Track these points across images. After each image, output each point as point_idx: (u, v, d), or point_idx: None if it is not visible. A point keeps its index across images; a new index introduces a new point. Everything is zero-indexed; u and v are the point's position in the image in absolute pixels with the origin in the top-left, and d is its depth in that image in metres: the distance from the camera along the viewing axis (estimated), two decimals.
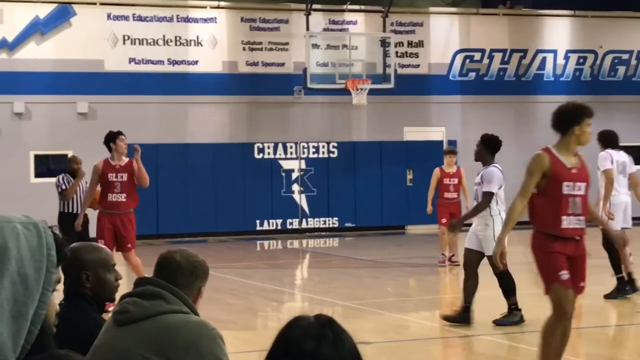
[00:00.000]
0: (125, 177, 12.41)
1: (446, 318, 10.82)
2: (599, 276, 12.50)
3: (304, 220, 24.06)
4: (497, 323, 10.68)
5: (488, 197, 10.83)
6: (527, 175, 7.77)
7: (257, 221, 23.68)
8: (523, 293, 11.33)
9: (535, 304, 13.09)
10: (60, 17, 22.50)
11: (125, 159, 12.58)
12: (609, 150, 12.65)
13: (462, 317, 10.67)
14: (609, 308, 12.35)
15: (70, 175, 14.69)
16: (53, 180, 22.81)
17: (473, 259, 10.82)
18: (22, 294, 1.75)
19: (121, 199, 12.40)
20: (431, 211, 17.34)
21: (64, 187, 14.59)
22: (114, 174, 12.41)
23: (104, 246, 4.68)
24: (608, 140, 12.79)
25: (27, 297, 1.76)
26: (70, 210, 14.34)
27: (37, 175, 22.55)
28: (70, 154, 22.61)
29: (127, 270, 13.02)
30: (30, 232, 1.80)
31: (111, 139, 12.48)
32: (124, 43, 22.94)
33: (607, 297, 12.47)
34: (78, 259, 4.34)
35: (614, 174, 12.48)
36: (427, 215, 25.70)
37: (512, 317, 10.74)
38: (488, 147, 11.05)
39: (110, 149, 12.46)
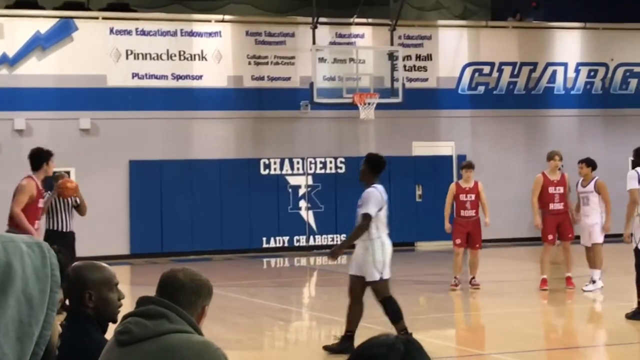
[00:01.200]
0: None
1: (327, 348, 10.37)
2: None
3: (311, 237, 23.70)
4: None
5: (365, 219, 10.33)
6: None
7: (264, 238, 23.32)
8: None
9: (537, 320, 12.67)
10: (62, 32, 22.19)
11: None
12: (638, 169, 12.55)
13: (343, 346, 10.16)
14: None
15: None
16: None
17: (357, 285, 10.45)
18: (26, 314, 1.75)
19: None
20: (449, 229, 16.39)
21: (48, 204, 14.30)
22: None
23: (106, 265, 4.56)
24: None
25: (32, 318, 1.75)
26: (56, 228, 14.01)
27: None
28: (72, 170, 22.32)
29: (131, 289, 12.68)
30: (34, 252, 1.79)
31: (45, 158, 11.86)
32: (127, 58, 22.63)
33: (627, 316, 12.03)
34: (81, 277, 4.32)
35: (637, 193, 12.29)
36: (437, 232, 25.41)
37: None
38: (372, 167, 10.56)
39: (39, 168, 11.79)
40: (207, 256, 22.36)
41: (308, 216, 23.64)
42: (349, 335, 10.28)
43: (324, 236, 23.85)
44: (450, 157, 25.02)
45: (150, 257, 21.93)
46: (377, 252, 10.22)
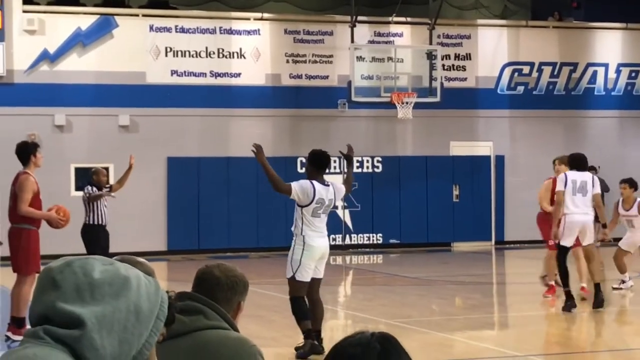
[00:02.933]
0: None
1: (298, 355, 10.17)
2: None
3: (347, 236, 23.66)
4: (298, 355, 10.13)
5: (283, 185, 10.40)
6: None
7: None
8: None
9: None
10: (102, 28, 22.33)
11: None
12: (568, 172, 13.13)
13: (311, 348, 10.03)
14: None
15: (97, 188, 14.66)
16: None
17: (310, 284, 10.18)
18: (132, 323, 1.88)
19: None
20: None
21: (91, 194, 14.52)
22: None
23: (146, 260, 4.54)
24: (575, 163, 13.25)
25: (136, 328, 1.89)
26: (95, 222, 14.33)
27: (78, 188, 22.30)
28: (111, 166, 22.45)
29: (168, 285, 12.70)
30: (150, 282, 1.96)
31: (31, 151, 11.55)
32: (166, 55, 22.72)
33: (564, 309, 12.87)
34: None
35: (562, 196, 12.90)
36: (474, 232, 25.33)
37: (304, 346, 10.10)
38: (311, 163, 10.44)
39: (27, 162, 11.44)
40: (243, 253, 22.40)
41: (344, 215, 23.61)
42: (316, 335, 10.15)
43: (360, 235, 23.82)
44: (489, 157, 24.89)
45: (187, 253, 22.01)
46: (296, 251, 10.02)
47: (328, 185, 10.22)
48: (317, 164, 10.32)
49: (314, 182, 10.15)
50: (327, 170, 10.44)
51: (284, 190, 10.21)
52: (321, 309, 10.25)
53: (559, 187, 13.12)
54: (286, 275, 10.17)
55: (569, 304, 12.87)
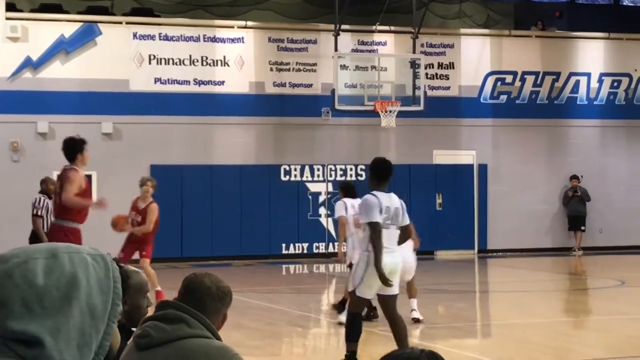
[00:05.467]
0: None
1: None
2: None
3: (330, 244, 23.66)
4: None
5: (370, 228, 9.57)
6: None
7: (283, 244, 23.32)
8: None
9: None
10: (86, 36, 22.28)
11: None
12: (345, 199, 13.71)
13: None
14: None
15: (47, 197, 14.76)
16: None
17: (380, 302, 9.87)
18: (88, 324, 1.80)
19: None
20: None
21: (39, 211, 14.69)
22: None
23: (140, 270, 4.52)
24: (346, 190, 14.04)
25: (93, 328, 1.81)
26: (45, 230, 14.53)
27: None
28: (94, 174, 22.38)
29: (151, 294, 12.67)
30: (98, 264, 1.85)
31: (78, 148, 11.46)
32: (149, 63, 22.69)
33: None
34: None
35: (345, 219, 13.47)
36: (457, 241, 25.37)
37: None
38: (375, 174, 9.90)
39: (74, 159, 11.42)
40: (226, 261, 22.37)
41: (328, 223, 23.61)
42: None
43: (343, 244, 23.79)
44: (472, 165, 24.96)
45: (170, 261, 21.96)
46: (360, 266, 9.51)
47: (390, 193, 9.79)
48: (380, 174, 9.82)
49: (376, 192, 9.63)
50: (389, 180, 9.89)
51: (381, 234, 9.43)
52: (402, 326, 9.69)
53: (341, 212, 13.59)
54: (348, 287, 9.79)
55: None
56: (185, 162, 22.78)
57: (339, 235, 14.02)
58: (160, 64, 22.80)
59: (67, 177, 11.01)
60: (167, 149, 22.67)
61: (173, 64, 22.88)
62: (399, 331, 9.56)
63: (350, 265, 13.37)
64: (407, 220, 9.73)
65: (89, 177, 22.46)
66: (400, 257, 9.72)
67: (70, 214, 10.99)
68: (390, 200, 9.64)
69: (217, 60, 23.20)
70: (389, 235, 9.55)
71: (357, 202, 13.66)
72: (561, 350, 11.43)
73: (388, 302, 9.63)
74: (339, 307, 13.76)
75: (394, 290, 9.62)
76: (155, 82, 22.74)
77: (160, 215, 24.22)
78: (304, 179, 23.53)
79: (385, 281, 9.29)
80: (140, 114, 22.52)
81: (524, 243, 24.92)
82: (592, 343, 12.04)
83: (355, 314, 9.65)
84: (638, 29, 26.03)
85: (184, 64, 22.95)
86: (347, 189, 14.20)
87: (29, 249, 1.83)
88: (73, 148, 11.32)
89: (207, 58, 23.13)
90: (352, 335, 9.62)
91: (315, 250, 23.62)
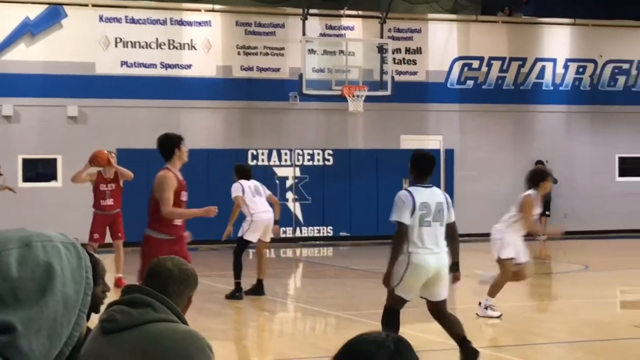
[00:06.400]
0: None
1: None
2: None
3: (298, 228, 23.68)
4: None
5: (396, 228, 8.89)
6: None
7: None
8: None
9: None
10: (51, 18, 22.09)
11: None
12: (241, 181, 14.34)
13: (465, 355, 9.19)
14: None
15: None
16: (42, 185, 22.50)
17: (429, 305, 9.30)
18: (61, 314, 1.78)
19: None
20: None
21: None
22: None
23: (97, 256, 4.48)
24: (241, 172, 14.54)
25: (65, 318, 1.79)
26: None
27: (26, 179, 22.14)
28: (59, 158, 22.26)
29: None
30: (70, 252, 1.82)
31: (176, 143, 10.31)
32: (116, 46, 22.55)
33: (227, 297, 13.71)
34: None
35: (241, 200, 14.13)
36: None
37: None
38: (415, 168, 9.11)
39: (171, 156, 10.23)
40: (193, 246, 22.26)
41: (295, 208, 23.61)
42: (464, 346, 9.08)
43: (310, 228, 23.84)
44: (438, 150, 25.02)
45: (137, 246, 21.85)
46: (400, 265, 8.77)
47: (431, 187, 8.97)
48: (418, 168, 8.99)
49: (412, 188, 8.88)
50: (430, 175, 8.98)
51: (403, 237, 8.74)
52: (456, 321, 9.12)
53: (237, 193, 14.36)
54: (388, 284, 8.90)
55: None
56: (152, 147, 22.51)
57: (232, 215, 14.38)
58: (127, 47, 22.66)
59: (157, 183, 9.94)
60: (134, 133, 22.54)
61: (140, 47, 22.74)
62: (457, 325, 9.05)
63: (240, 241, 14.27)
64: (452, 217, 9.07)
65: (53, 160, 22.38)
66: (446, 259, 8.95)
67: (164, 226, 9.89)
68: (431, 196, 8.84)
69: (184, 44, 23.09)
70: (432, 234, 8.83)
71: (252, 183, 14.32)
72: (525, 334, 11.53)
73: (439, 307, 9.05)
74: (250, 291, 14.14)
75: (442, 294, 9.00)
76: (122, 65, 22.60)
77: (127, 200, 24.23)
78: (272, 163, 23.51)
79: (388, 284, 8.79)
80: (106, 97, 22.39)
81: (489, 227, 24.97)
82: (556, 327, 12.14)
83: (392, 309, 8.95)
84: (603, 15, 26.18)
85: (150, 47, 22.82)
86: (241, 172, 14.59)
87: (1, 239, 1.79)
88: (170, 144, 10.20)
89: (174, 41, 23.01)
90: (389, 329, 8.81)
91: (282, 235, 23.61)
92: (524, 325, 12.09)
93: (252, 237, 14.34)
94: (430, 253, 8.78)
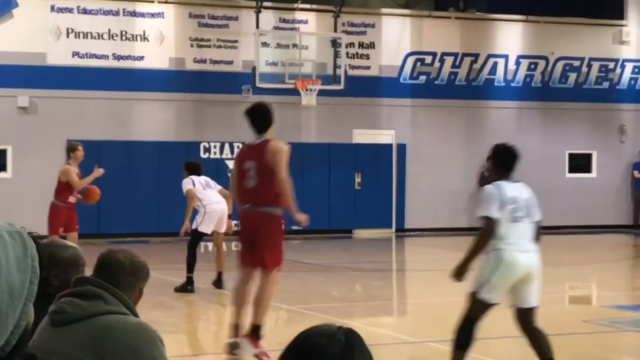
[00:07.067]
0: None
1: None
2: None
3: None
4: None
5: (482, 224, 8.27)
6: None
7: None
8: None
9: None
10: (2, 8, 21.83)
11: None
12: (192, 177, 14.51)
13: None
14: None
15: None
16: None
17: (516, 313, 8.41)
18: (6, 303, 1.75)
19: None
20: None
21: None
22: None
23: (75, 245, 4.47)
24: (191, 169, 14.72)
25: (10, 307, 1.76)
26: None
27: None
28: (9, 149, 22.03)
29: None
30: (16, 241, 1.80)
31: (272, 116, 9.53)
32: (67, 36, 22.34)
33: (177, 290, 13.78)
34: (50, 255, 4.18)
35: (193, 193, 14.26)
36: (375, 219, 25.54)
37: None
38: (496, 163, 8.52)
39: (267, 128, 9.51)
40: (144, 238, 22.20)
41: None
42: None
43: None
44: (391, 145, 25.13)
45: (86, 237, 21.69)
46: (485, 267, 8.03)
47: (517, 182, 8.38)
48: (502, 162, 8.40)
49: (498, 183, 8.20)
50: (513, 169, 8.36)
51: (490, 233, 8.07)
52: (544, 338, 8.19)
53: (188, 186, 14.66)
54: (470, 288, 8.12)
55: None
56: (103, 138, 22.50)
57: (187, 209, 14.46)
58: (79, 37, 22.45)
59: (277, 150, 9.18)
60: (85, 124, 22.36)
61: (91, 37, 22.55)
62: (540, 344, 8.16)
63: (194, 233, 14.33)
64: (539, 215, 8.41)
65: (3, 151, 22.13)
66: (537, 260, 8.24)
67: (280, 198, 9.40)
68: (519, 191, 8.24)
69: (136, 35, 22.93)
70: (522, 230, 8.15)
71: (202, 178, 14.51)
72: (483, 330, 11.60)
73: (527, 315, 8.23)
74: (217, 283, 14.26)
75: (532, 300, 8.22)
76: (73, 56, 22.40)
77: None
78: (224, 156, 23.44)
79: (459, 275, 8.08)
80: (57, 88, 22.17)
81: (441, 222, 25.20)
82: (506, 321, 12.23)
83: (470, 320, 8.10)
84: (555, 12, 26.42)
85: (102, 38, 22.64)
86: (191, 168, 14.74)
87: None
88: (268, 116, 9.42)
89: (126, 32, 22.85)
90: (462, 342, 8.11)
91: (235, 228, 23.54)
92: None
93: (206, 228, 14.36)
94: (521, 251, 8.05)
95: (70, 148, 15.05)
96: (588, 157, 26.90)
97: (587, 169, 26.91)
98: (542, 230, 8.43)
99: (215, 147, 23.40)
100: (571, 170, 26.70)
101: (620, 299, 14.11)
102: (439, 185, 25.19)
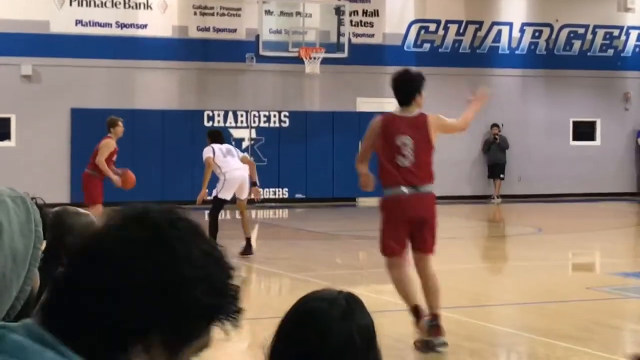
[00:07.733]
0: None
1: None
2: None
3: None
4: None
5: None
6: None
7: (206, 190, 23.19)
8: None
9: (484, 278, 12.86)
10: None
11: None
12: (212, 144, 14.57)
13: None
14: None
15: None
16: None
17: None
18: (10, 268, 1.75)
19: None
20: None
21: None
22: None
23: (89, 213, 4.47)
24: (213, 137, 14.85)
25: (14, 272, 1.76)
26: None
27: None
28: (13, 117, 22.03)
29: None
30: (19, 206, 1.80)
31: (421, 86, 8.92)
32: (70, 4, 22.26)
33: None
34: (63, 223, 4.15)
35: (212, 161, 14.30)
36: (379, 187, 25.52)
37: None
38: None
39: (411, 101, 8.88)
40: None
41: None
42: None
43: (266, 189, 23.81)
44: None
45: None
46: None
47: None
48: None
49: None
50: None
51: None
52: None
53: (208, 154, 14.68)
54: None
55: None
56: (107, 107, 22.46)
57: (204, 177, 14.57)
58: (82, 5, 22.38)
59: (435, 126, 8.63)
60: (88, 93, 22.34)
61: (95, 5, 22.48)
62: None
63: (215, 200, 14.40)
64: None
65: (7, 120, 22.13)
66: None
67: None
68: None
69: (139, 3, 22.85)
70: None
71: (224, 146, 14.51)
72: (478, 296, 11.65)
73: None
74: (246, 249, 14.26)
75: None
76: (77, 24, 22.33)
77: (81, 160, 24.07)
78: (228, 124, 23.42)
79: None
80: (60, 57, 22.12)
81: (444, 190, 25.11)
82: (509, 289, 12.28)
83: None
84: None
85: (105, 6, 22.56)
86: (214, 136, 14.81)
87: None
88: (416, 86, 8.73)
89: (129, 1, 22.77)
90: None
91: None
92: (477, 287, 12.22)
93: (226, 195, 14.37)
94: None
95: (111, 123, 15.04)
96: (592, 124, 26.85)
97: (592, 137, 26.86)
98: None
99: (219, 115, 23.37)
100: (575, 138, 26.66)
101: (624, 266, 14.13)
102: (443, 153, 24.94)
